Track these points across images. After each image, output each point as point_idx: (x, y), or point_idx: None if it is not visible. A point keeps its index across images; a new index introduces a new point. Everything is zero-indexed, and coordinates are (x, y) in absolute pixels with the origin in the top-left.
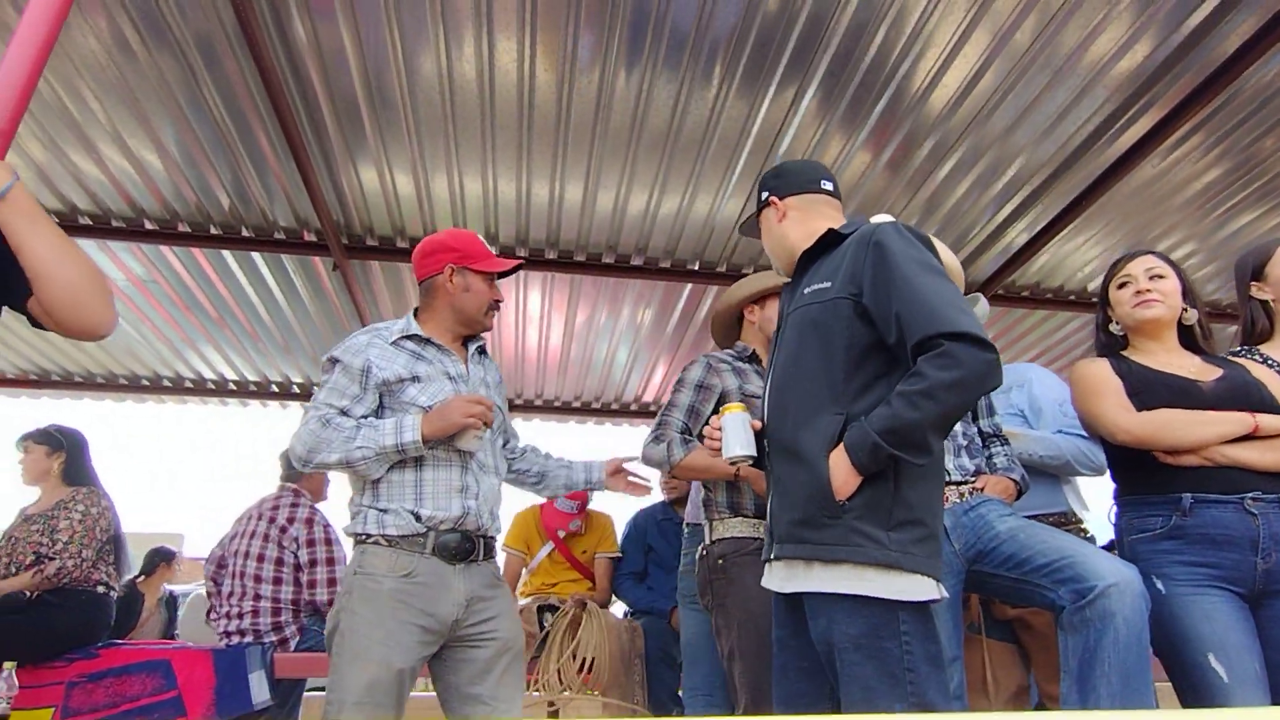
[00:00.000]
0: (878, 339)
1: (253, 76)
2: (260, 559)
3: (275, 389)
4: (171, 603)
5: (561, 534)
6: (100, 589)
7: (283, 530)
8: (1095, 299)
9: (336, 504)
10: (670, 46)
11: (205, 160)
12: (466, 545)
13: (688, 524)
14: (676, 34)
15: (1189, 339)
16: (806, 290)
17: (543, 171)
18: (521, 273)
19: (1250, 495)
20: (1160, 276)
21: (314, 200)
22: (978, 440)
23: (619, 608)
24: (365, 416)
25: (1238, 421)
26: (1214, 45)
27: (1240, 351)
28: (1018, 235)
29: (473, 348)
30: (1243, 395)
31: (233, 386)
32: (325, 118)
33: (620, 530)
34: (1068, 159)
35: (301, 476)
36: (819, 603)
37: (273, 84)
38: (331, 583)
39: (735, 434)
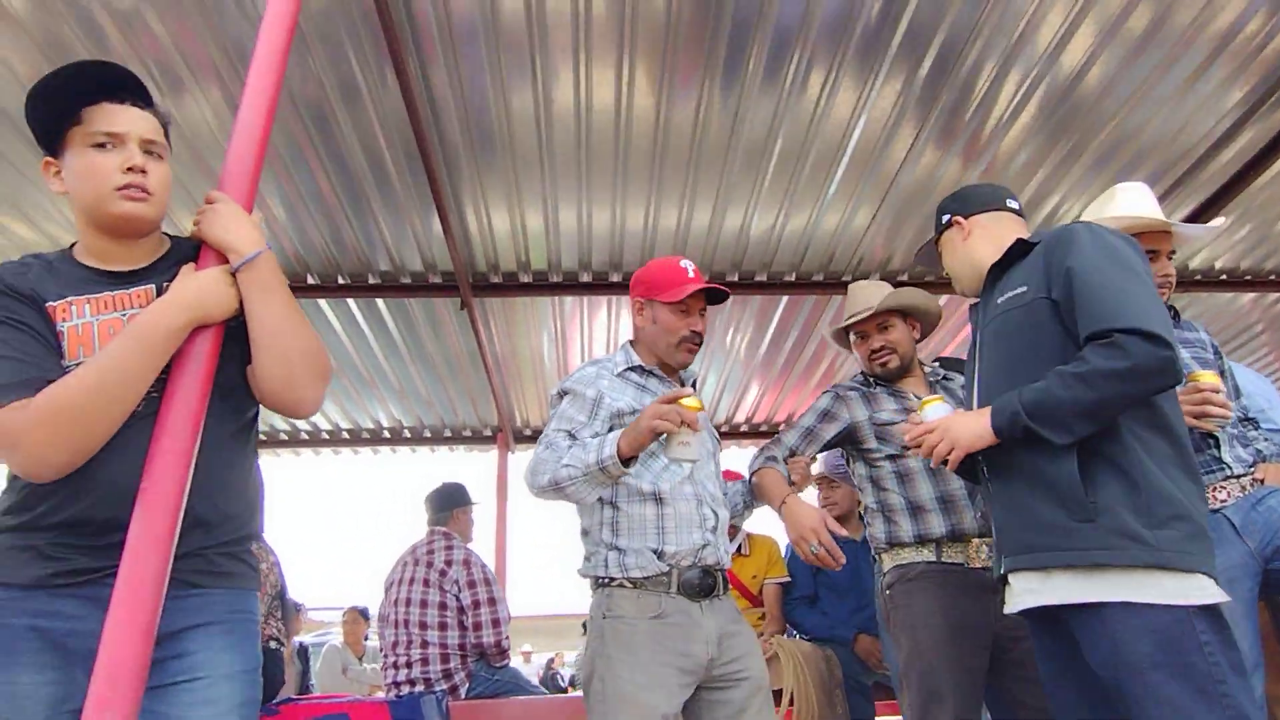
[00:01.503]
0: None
1: (395, 122)
2: (423, 605)
3: (387, 434)
4: (304, 654)
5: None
6: (272, 644)
7: (442, 573)
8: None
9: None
10: (770, 58)
11: (339, 209)
12: (709, 581)
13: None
14: (776, 42)
15: None
16: (1001, 300)
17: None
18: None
19: None
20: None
21: (448, 241)
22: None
23: None
24: None
25: None
26: None
27: None
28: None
29: (690, 378)
30: None
31: (345, 435)
32: (461, 159)
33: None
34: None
35: (450, 519)
36: (1090, 619)
37: (419, 127)
38: (495, 624)
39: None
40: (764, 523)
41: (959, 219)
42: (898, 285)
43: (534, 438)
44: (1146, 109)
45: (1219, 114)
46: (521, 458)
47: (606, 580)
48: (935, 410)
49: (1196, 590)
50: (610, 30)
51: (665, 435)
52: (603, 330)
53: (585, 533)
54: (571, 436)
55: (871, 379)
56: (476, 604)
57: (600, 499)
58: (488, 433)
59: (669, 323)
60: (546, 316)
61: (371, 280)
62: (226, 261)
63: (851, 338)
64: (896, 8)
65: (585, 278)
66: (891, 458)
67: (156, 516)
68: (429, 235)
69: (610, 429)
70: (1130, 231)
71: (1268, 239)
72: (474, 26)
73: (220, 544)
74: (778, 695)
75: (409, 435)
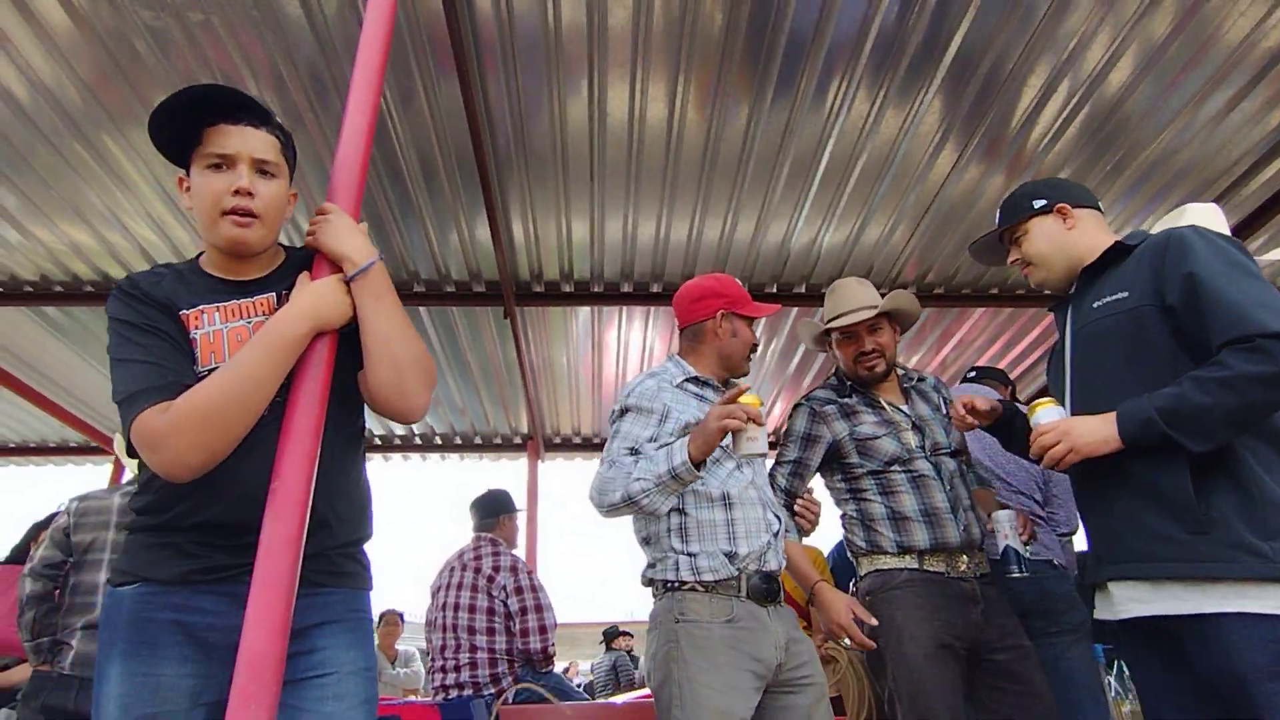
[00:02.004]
0: (1188, 343)
1: (451, 131)
2: (472, 610)
3: (419, 441)
4: None
5: None
6: None
7: (490, 579)
8: None
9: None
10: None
11: (389, 215)
12: (774, 586)
13: None
14: (828, 61)
15: None
16: (1097, 304)
17: (718, 210)
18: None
19: None
20: None
21: (496, 249)
22: None
23: None
24: None
25: None
26: None
27: None
28: None
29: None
30: None
31: (378, 442)
32: (514, 167)
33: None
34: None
35: (496, 525)
36: (1204, 629)
37: (475, 136)
38: (542, 630)
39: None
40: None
41: (1066, 206)
42: (929, 298)
43: (564, 446)
44: (1188, 129)
45: (1261, 134)
46: (551, 466)
47: (677, 584)
48: (1049, 413)
49: None
50: (667, 45)
51: (733, 434)
52: (639, 340)
53: (647, 540)
54: (635, 454)
55: (848, 383)
56: (524, 610)
57: None
58: (518, 440)
59: (746, 335)
60: (586, 326)
61: (416, 289)
62: (340, 270)
63: (834, 337)
64: (948, 28)
65: (626, 288)
66: (873, 472)
67: (287, 516)
68: (474, 244)
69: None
70: None
71: None
72: (535, 39)
73: (341, 545)
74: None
75: (440, 442)
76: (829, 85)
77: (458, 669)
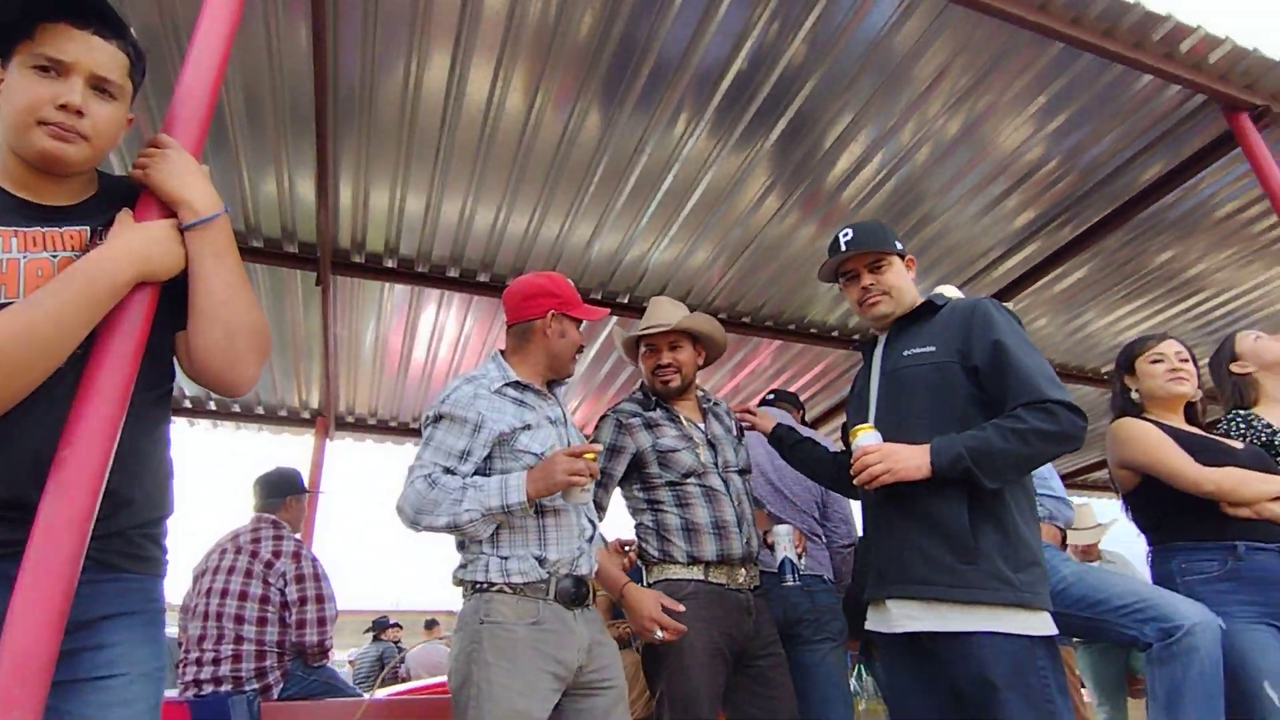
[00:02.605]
0: (983, 396)
1: (292, 74)
2: (242, 597)
3: (189, 404)
4: None
5: None
6: None
7: (268, 565)
8: None
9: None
10: (647, 88)
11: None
12: (582, 590)
13: None
14: (656, 75)
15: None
16: (907, 353)
17: (559, 211)
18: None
19: None
20: (1186, 360)
21: (320, 210)
22: None
23: None
24: (472, 474)
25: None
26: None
27: (1221, 422)
28: None
29: (559, 390)
30: (1264, 461)
31: None
32: (355, 129)
33: None
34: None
35: (281, 506)
36: (962, 644)
37: (320, 86)
38: (321, 623)
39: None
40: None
41: (911, 257)
42: (736, 325)
43: (357, 426)
44: (960, 215)
45: (1010, 230)
46: (340, 446)
47: (486, 585)
48: (870, 437)
49: (1042, 624)
50: (538, 40)
51: None
52: (455, 329)
53: (463, 544)
54: (449, 472)
55: (651, 397)
56: (303, 600)
57: None
58: (306, 415)
59: (574, 337)
60: (402, 305)
61: None
62: (174, 215)
63: (641, 349)
64: (793, 90)
65: (453, 273)
66: (671, 483)
67: (77, 490)
68: (294, 200)
69: (490, 454)
70: None
71: (1038, 335)
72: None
73: (141, 524)
74: None
75: (215, 408)
76: (680, 115)
77: (217, 661)
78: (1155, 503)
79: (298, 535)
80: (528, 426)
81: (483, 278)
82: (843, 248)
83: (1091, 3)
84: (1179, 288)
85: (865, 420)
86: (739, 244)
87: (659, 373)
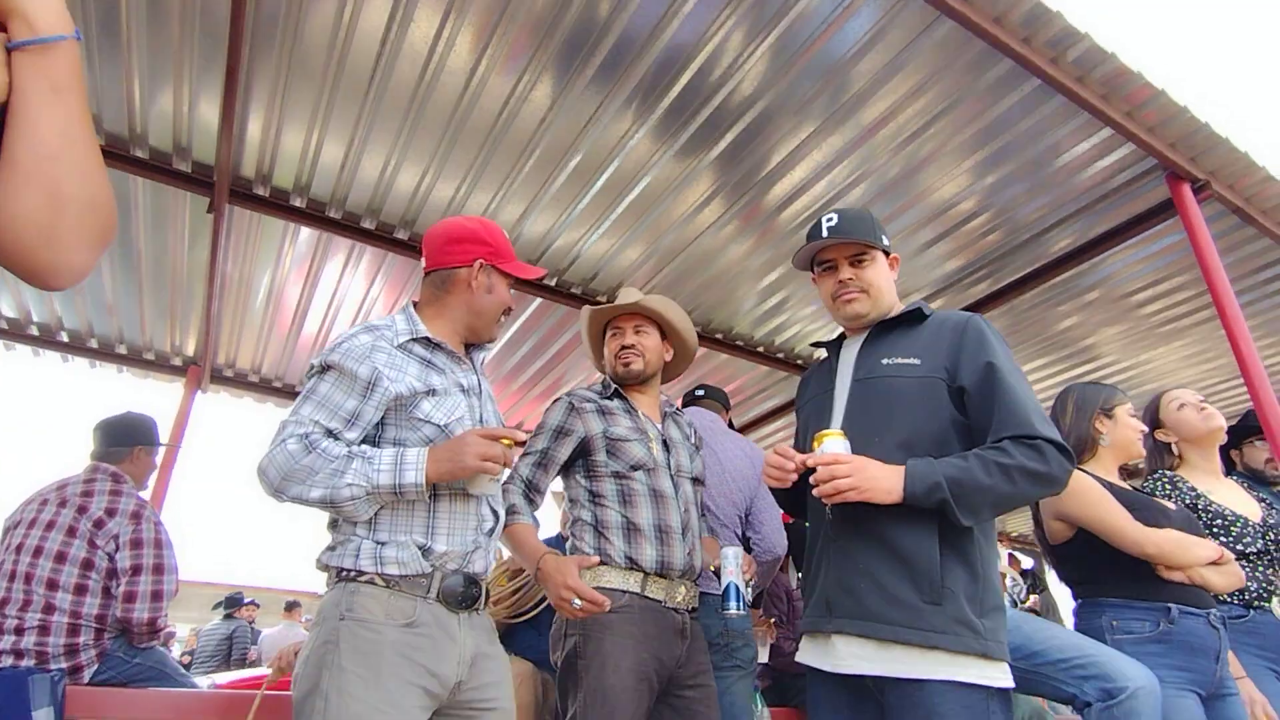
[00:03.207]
0: (965, 421)
1: None
2: (60, 558)
3: (35, 331)
4: None
5: None
6: None
7: (98, 524)
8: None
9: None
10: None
11: (88, 36)
12: (473, 590)
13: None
14: (613, 58)
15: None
16: (886, 361)
17: (491, 182)
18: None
19: (1213, 611)
20: (1135, 416)
21: (223, 130)
22: None
23: None
24: (359, 441)
25: (1213, 548)
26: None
27: (1147, 481)
28: None
29: (479, 357)
30: (1194, 524)
31: (3, 325)
32: (276, 56)
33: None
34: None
35: (126, 457)
36: (913, 690)
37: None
38: (155, 597)
39: None
40: None
41: (895, 255)
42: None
43: (235, 381)
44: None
45: (939, 274)
46: (212, 400)
47: (354, 574)
48: (838, 444)
49: (1002, 676)
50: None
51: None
52: (362, 287)
53: (335, 523)
54: (331, 436)
55: (612, 384)
56: (137, 570)
57: None
58: (178, 363)
59: (503, 295)
60: (306, 251)
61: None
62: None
63: (608, 333)
64: (745, 104)
65: (369, 224)
66: (617, 474)
67: None
68: (193, 117)
69: (383, 421)
70: None
71: None
72: None
73: None
74: None
75: (67, 340)
76: (630, 107)
77: (20, 631)
78: (1088, 556)
79: (142, 493)
80: (432, 391)
81: (401, 234)
82: (824, 233)
83: (1071, 46)
84: (1076, 353)
85: (823, 424)
86: (672, 248)
87: (621, 354)
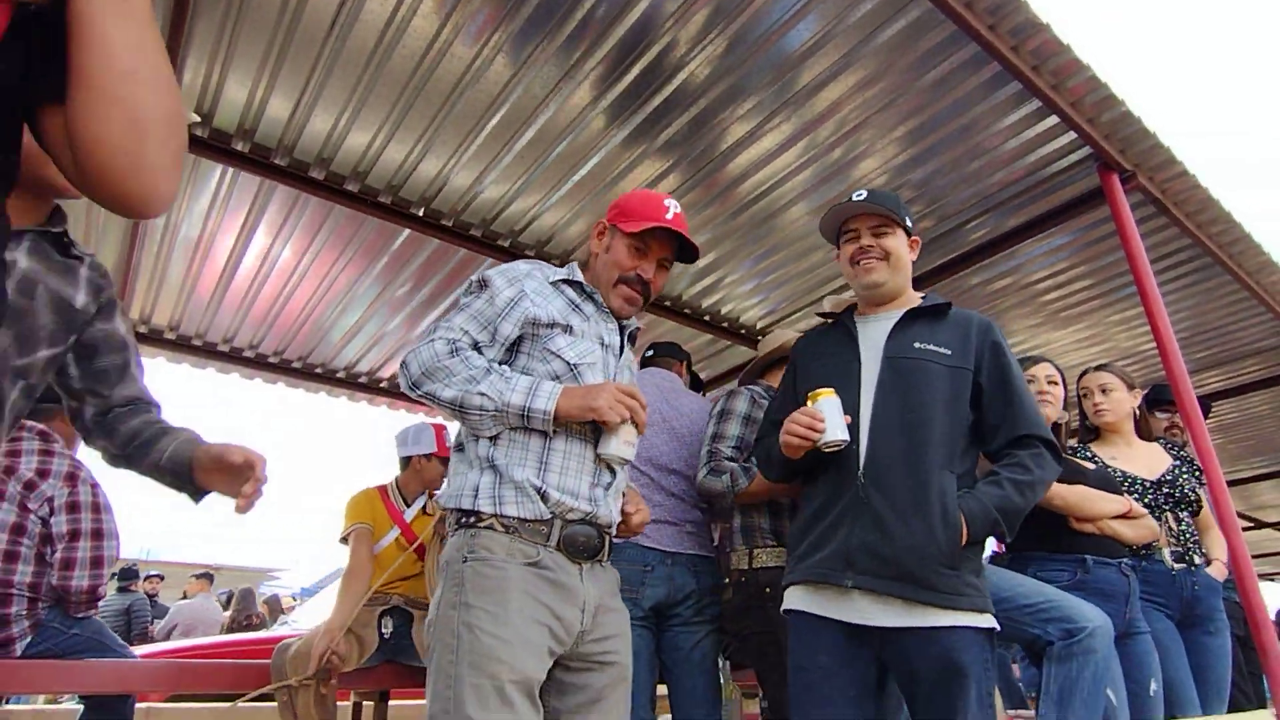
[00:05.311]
0: (977, 413)
1: None
2: None
3: None
4: None
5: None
6: None
7: (29, 486)
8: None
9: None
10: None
11: None
12: (597, 541)
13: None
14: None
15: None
16: (918, 345)
17: (444, 147)
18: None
19: (1124, 560)
20: (1055, 383)
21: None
22: None
23: None
24: (500, 363)
25: (1122, 503)
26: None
27: (1073, 450)
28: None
29: (631, 326)
30: (1110, 482)
31: None
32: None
33: None
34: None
35: (52, 415)
36: (934, 635)
37: None
38: (96, 564)
39: (834, 418)
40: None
41: (917, 239)
42: None
43: (151, 337)
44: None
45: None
46: None
47: (473, 518)
48: (830, 405)
49: (992, 621)
50: None
51: (607, 428)
52: (300, 242)
53: (459, 445)
54: (476, 348)
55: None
56: (75, 535)
57: None
58: None
59: (620, 257)
60: (243, 200)
61: None
62: None
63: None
64: (705, 85)
65: (318, 174)
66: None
67: None
68: None
69: (516, 346)
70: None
71: None
72: None
73: None
74: None
75: None
76: (593, 78)
77: None
78: None
79: (74, 454)
80: (569, 328)
81: (351, 187)
82: (836, 216)
83: (1031, 36)
84: None
85: (852, 396)
86: None
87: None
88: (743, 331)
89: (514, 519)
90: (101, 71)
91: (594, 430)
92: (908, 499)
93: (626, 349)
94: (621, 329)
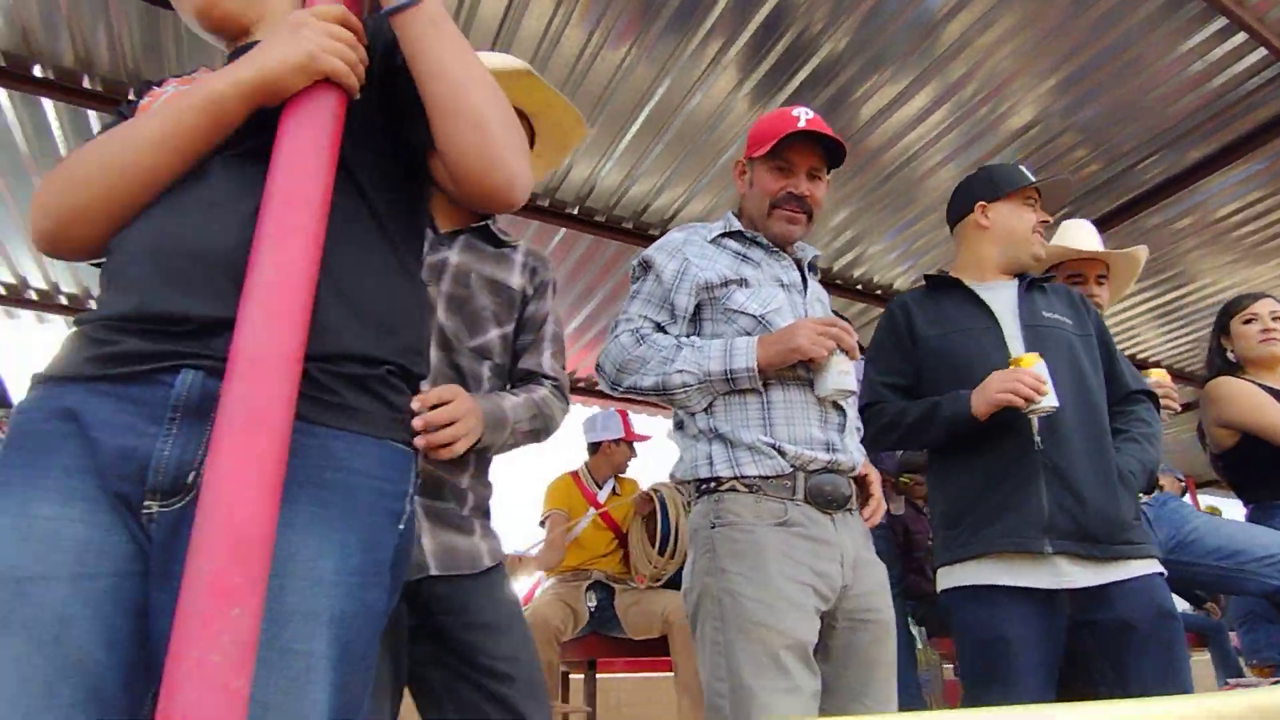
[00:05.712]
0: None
1: None
2: None
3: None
4: None
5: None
6: None
7: None
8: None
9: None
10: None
11: None
12: (845, 489)
13: None
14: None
15: None
16: (1047, 314)
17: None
18: None
19: None
20: (1278, 317)
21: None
22: None
23: None
24: (686, 335)
25: None
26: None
27: None
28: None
29: (808, 256)
30: None
31: None
32: None
33: None
34: None
35: None
36: (1134, 584)
37: None
38: None
39: (1050, 384)
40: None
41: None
42: None
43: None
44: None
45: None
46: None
47: (714, 483)
48: (1044, 368)
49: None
50: None
51: (816, 366)
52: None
53: (680, 425)
54: (660, 329)
55: None
56: None
57: None
58: (63, 300)
59: (765, 184)
60: None
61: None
62: None
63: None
64: (818, 41)
65: None
66: None
67: (274, 304)
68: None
69: (698, 314)
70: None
71: None
72: None
73: (343, 355)
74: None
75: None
76: (735, 64)
77: None
78: (1254, 461)
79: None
80: (744, 282)
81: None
82: (1030, 178)
83: None
84: (1171, 278)
85: (1011, 354)
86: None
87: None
88: (878, 293)
89: (755, 478)
90: (443, 90)
91: (809, 372)
92: (1089, 461)
93: (810, 281)
94: (797, 263)
